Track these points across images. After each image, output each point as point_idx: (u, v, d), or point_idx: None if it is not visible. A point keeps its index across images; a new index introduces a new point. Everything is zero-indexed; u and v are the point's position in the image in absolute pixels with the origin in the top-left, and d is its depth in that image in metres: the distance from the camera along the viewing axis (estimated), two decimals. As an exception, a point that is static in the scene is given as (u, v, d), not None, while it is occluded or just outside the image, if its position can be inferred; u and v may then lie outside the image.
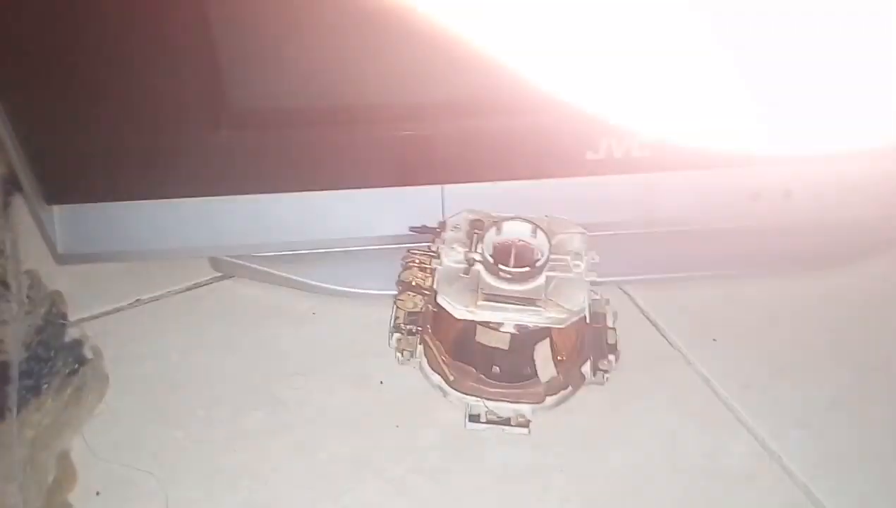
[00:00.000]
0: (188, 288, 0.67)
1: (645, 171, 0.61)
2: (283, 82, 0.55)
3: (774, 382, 0.60)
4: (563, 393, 0.58)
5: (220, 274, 0.68)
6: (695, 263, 0.67)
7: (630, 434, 0.57)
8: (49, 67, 0.52)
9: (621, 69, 0.56)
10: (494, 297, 0.53)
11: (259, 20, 0.52)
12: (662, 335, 0.64)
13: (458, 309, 0.53)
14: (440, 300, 0.54)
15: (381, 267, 0.64)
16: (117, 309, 0.66)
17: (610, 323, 0.61)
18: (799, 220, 0.66)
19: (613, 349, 0.59)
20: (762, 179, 0.63)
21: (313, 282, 0.65)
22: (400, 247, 0.62)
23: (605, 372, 0.58)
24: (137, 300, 0.66)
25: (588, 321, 0.59)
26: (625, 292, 0.67)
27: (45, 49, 0.51)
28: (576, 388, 0.58)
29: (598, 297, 0.61)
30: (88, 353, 0.61)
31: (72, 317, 0.64)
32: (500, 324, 0.55)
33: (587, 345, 0.59)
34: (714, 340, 0.63)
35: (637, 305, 0.66)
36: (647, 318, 0.65)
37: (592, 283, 0.57)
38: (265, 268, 0.66)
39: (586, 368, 0.59)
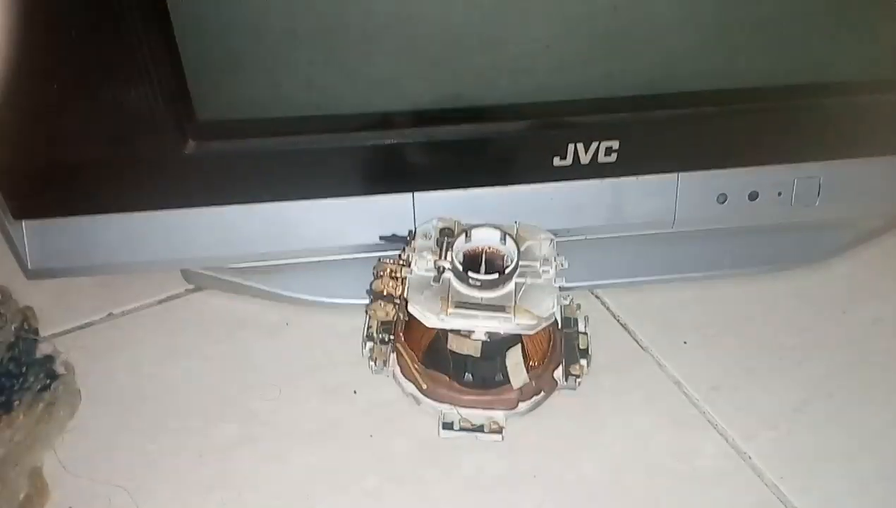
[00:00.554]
0: (160, 301, 0.67)
1: (612, 176, 0.62)
2: (250, 94, 0.55)
3: (744, 384, 0.61)
4: (535, 398, 0.58)
5: (192, 287, 0.68)
6: (664, 266, 0.68)
7: (602, 438, 0.58)
8: (11, 80, 0.51)
9: (586, 74, 0.57)
10: (465, 305, 0.54)
11: (225, 32, 0.52)
12: (634, 338, 0.65)
13: (429, 317, 0.53)
14: (411, 308, 0.54)
15: (352, 275, 0.64)
16: (89, 324, 0.65)
17: (581, 328, 0.61)
18: (765, 222, 0.67)
19: (585, 354, 0.60)
20: (728, 181, 0.64)
21: (285, 293, 0.65)
22: (371, 256, 0.62)
23: (577, 376, 0.58)
24: (109, 314, 0.66)
25: (559, 326, 0.60)
26: (596, 296, 0.68)
27: (7, 63, 0.51)
28: (548, 394, 0.59)
29: (568, 303, 0.61)
30: (60, 369, 0.61)
31: (43, 333, 0.64)
32: (472, 332, 0.55)
33: (559, 350, 0.59)
34: (685, 342, 0.64)
35: (608, 309, 0.67)
36: (619, 322, 0.66)
37: (563, 288, 0.58)
38: (237, 280, 0.66)
39: (558, 373, 0.59)
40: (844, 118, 0.61)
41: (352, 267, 0.64)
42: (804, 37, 0.57)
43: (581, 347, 0.60)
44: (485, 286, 0.54)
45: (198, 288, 0.68)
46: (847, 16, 0.56)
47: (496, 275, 0.54)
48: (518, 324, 0.53)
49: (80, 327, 0.65)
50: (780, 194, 0.65)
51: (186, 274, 0.67)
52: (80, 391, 0.60)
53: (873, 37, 0.57)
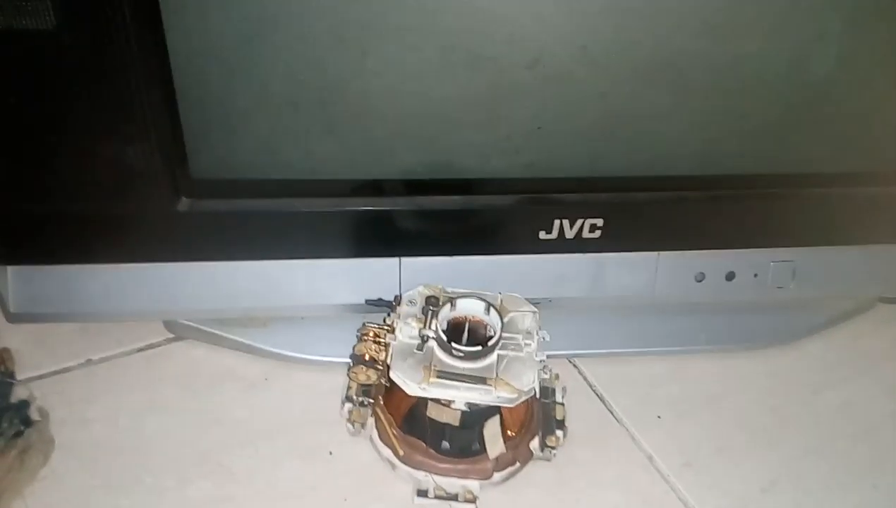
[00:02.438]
0: (140, 349, 0.67)
1: (595, 252, 0.63)
2: (246, 156, 0.56)
3: (715, 461, 0.62)
4: (510, 469, 0.59)
5: (172, 336, 0.68)
6: (642, 339, 0.70)
7: (575, 512, 0.58)
8: (5, 131, 0.52)
9: (574, 155, 0.59)
10: (447, 375, 0.54)
11: (223, 93, 0.53)
12: (609, 410, 0.66)
13: (411, 385, 0.54)
14: (393, 376, 0.55)
15: (335, 333, 0.65)
16: (67, 369, 0.65)
17: (559, 399, 0.62)
18: (741, 301, 0.69)
19: (561, 425, 0.60)
20: (707, 261, 0.66)
21: (266, 348, 0.66)
22: (355, 316, 0.63)
23: (553, 448, 0.59)
24: (88, 360, 0.66)
25: (537, 395, 0.61)
26: (574, 365, 0.69)
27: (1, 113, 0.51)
28: (523, 464, 0.59)
29: (547, 376, 0.62)
30: (35, 415, 0.60)
31: (20, 376, 0.64)
32: (452, 401, 0.56)
33: (536, 421, 0.60)
34: (658, 417, 0.65)
35: (586, 379, 0.68)
36: (595, 393, 0.67)
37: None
38: (219, 332, 0.66)
39: (534, 444, 0.60)
40: (819, 208, 0.63)
41: (334, 326, 0.65)
42: (782, 129, 0.59)
43: (558, 418, 0.61)
44: (468, 357, 0.55)
45: (178, 338, 0.68)
46: (823, 112, 0.58)
47: (479, 348, 0.55)
48: (499, 397, 0.54)
49: (58, 372, 0.65)
50: (756, 276, 0.67)
51: (168, 324, 0.67)
52: (53, 439, 0.59)
53: (848, 133, 0.60)
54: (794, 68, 0.55)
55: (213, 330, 0.66)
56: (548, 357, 0.63)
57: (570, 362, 0.69)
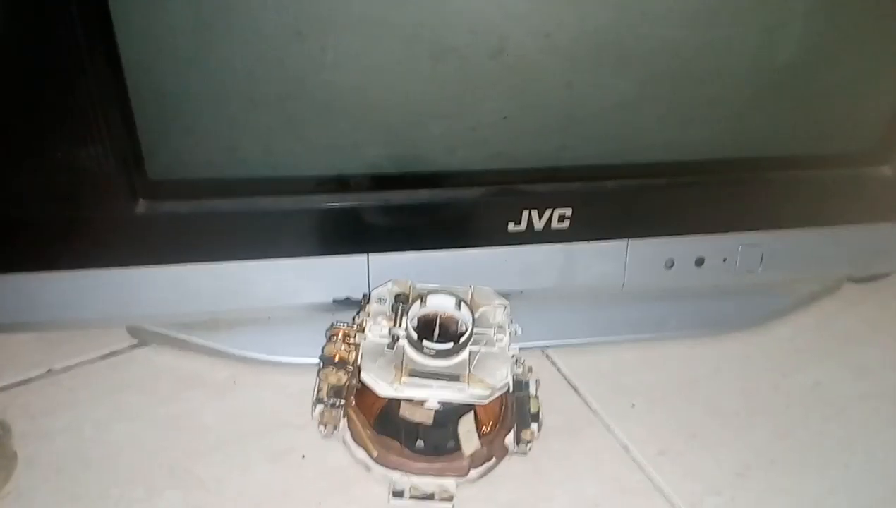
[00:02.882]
0: (103, 357, 0.65)
1: (564, 242, 0.63)
2: (204, 155, 0.54)
3: (689, 448, 0.62)
4: (486, 465, 0.58)
5: (136, 342, 0.66)
6: (614, 327, 0.69)
7: (551, 504, 0.58)
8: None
9: (541, 145, 0.58)
10: (418, 374, 0.53)
11: (178, 92, 0.51)
12: (584, 401, 0.65)
13: (383, 386, 0.53)
14: (364, 377, 0.54)
15: (304, 333, 0.63)
16: (27, 380, 0.63)
17: (533, 392, 0.62)
18: (711, 286, 0.69)
19: (536, 418, 0.60)
20: (676, 248, 0.66)
21: (233, 351, 0.64)
22: (325, 315, 0.62)
23: (528, 442, 0.59)
24: (49, 370, 0.64)
25: (511, 390, 0.60)
26: (547, 356, 0.68)
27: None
28: (499, 460, 0.59)
29: (520, 370, 0.62)
30: (-5, 429, 0.59)
31: (-22, 389, 0.62)
32: (425, 400, 0.55)
33: (510, 415, 0.60)
34: (633, 405, 0.65)
35: (559, 370, 0.68)
36: (569, 384, 0.67)
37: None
38: (183, 336, 0.64)
39: (510, 439, 0.59)
40: (785, 191, 0.63)
41: (302, 326, 0.64)
42: (748, 114, 0.59)
43: (532, 411, 0.60)
44: (439, 355, 0.54)
45: (142, 344, 0.66)
46: (788, 96, 0.58)
47: (451, 345, 0.54)
48: (472, 394, 0.53)
49: (19, 383, 0.63)
50: (725, 260, 0.67)
51: (131, 329, 0.66)
52: (16, 453, 0.57)
53: (813, 116, 0.60)
54: (758, 54, 0.55)
55: (177, 335, 0.64)
56: (521, 349, 0.63)
57: (543, 353, 0.69)
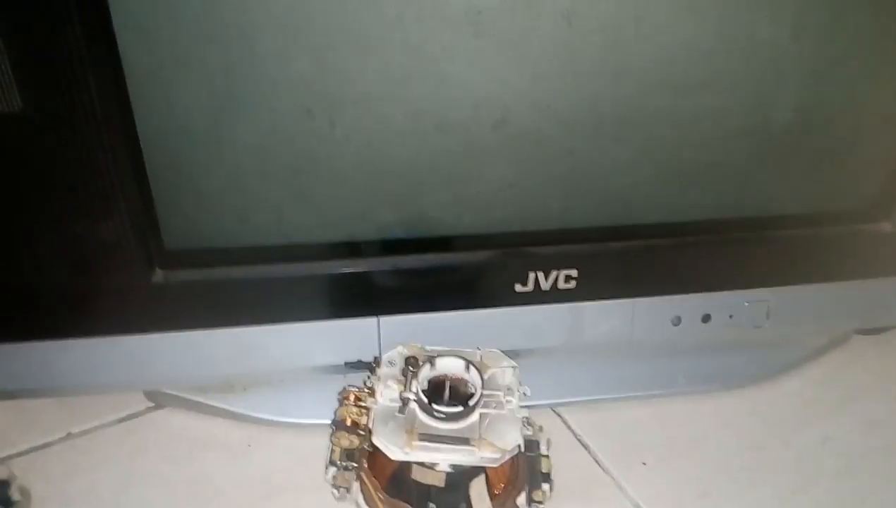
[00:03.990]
0: (121, 420, 0.67)
1: (571, 301, 0.64)
2: (218, 225, 0.56)
3: (701, 505, 0.62)
4: (498, 526, 0.59)
5: (153, 405, 0.67)
6: (623, 385, 0.70)
7: (564, 565, 0.58)
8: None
9: (546, 208, 0.59)
10: (429, 437, 0.54)
11: (192, 166, 0.53)
12: (595, 459, 0.66)
13: (394, 450, 0.54)
14: (376, 440, 0.54)
15: (316, 395, 0.65)
16: (46, 444, 0.64)
17: (544, 451, 0.62)
18: (718, 341, 0.70)
19: (547, 478, 0.60)
20: (682, 305, 0.67)
21: (248, 413, 0.65)
22: (337, 376, 0.63)
23: (540, 503, 0.59)
24: (68, 434, 0.65)
25: (522, 449, 0.61)
26: (558, 415, 0.69)
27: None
28: (511, 520, 0.59)
29: (530, 431, 0.62)
30: (16, 494, 0.59)
31: (-1, 455, 0.63)
32: (436, 463, 0.56)
33: (522, 476, 0.60)
34: (644, 463, 0.65)
35: (570, 428, 0.68)
36: (580, 442, 0.67)
37: (525, 408, 0.59)
38: (199, 399, 0.66)
39: (521, 500, 0.59)
40: (787, 249, 0.64)
41: (315, 388, 0.65)
42: (746, 176, 0.60)
43: (543, 471, 0.61)
44: (449, 418, 0.55)
45: (159, 406, 0.67)
46: (784, 158, 0.60)
47: (460, 408, 0.55)
48: (482, 458, 0.54)
49: (38, 448, 0.64)
50: (731, 317, 0.68)
51: (148, 393, 0.67)
52: (35, 518, 0.59)
53: (811, 176, 0.61)
54: (754, 119, 0.57)
55: (193, 398, 0.66)
56: (531, 407, 0.63)
57: (553, 411, 0.69)
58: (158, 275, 0.56)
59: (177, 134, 0.52)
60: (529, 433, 0.62)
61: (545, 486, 0.60)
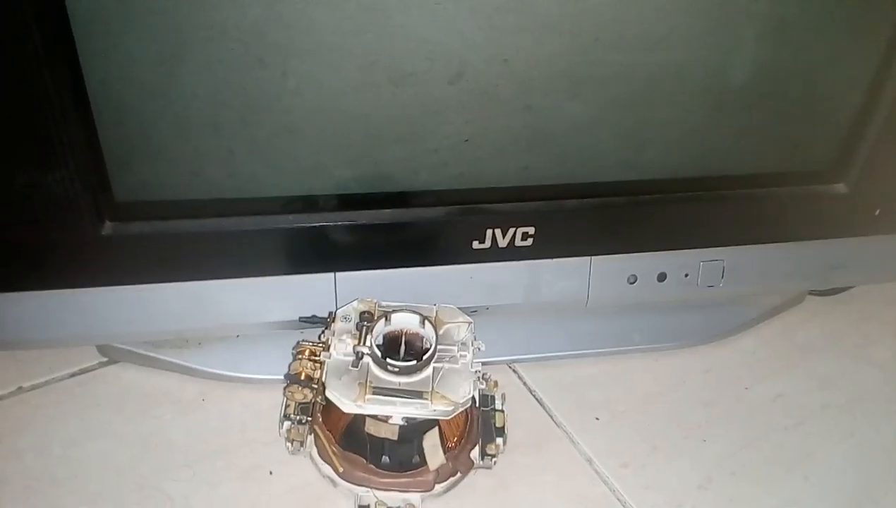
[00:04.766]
0: (73, 374, 0.66)
1: (528, 259, 0.64)
2: (169, 177, 0.55)
3: (652, 460, 0.63)
4: (451, 479, 0.59)
5: (106, 360, 0.67)
6: (579, 342, 0.71)
7: (515, 518, 0.59)
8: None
9: (503, 165, 0.59)
10: (382, 391, 0.54)
11: (142, 116, 0.52)
12: (549, 414, 0.66)
13: (347, 403, 0.54)
14: (329, 394, 0.54)
15: (272, 351, 0.64)
16: (-3, 399, 0.64)
17: (498, 406, 0.63)
18: (673, 301, 0.70)
19: (501, 432, 0.61)
20: (638, 264, 0.67)
21: (202, 368, 0.65)
22: (293, 332, 0.63)
23: (493, 456, 0.60)
24: (19, 388, 0.64)
25: (477, 404, 0.62)
26: (514, 371, 0.70)
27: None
28: (464, 474, 0.60)
29: (484, 385, 0.63)
30: (-36, 447, 0.59)
31: (-53, 409, 0.62)
32: (389, 416, 0.56)
33: (476, 430, 0.61)
34: (597, 419, 0.66)
35: (525, 384, 0.69)
36: (535, 397, 0.68)
37: (482, 364, 0.59)
38: (153, 354, 0.65)
39: (475, 453, 0.60)
40: (744, 208, 0.65)
41: (271, 343, 0.65)
42: (704, 135, 0.60)
43: (497, 425, 0.61)
44: (403, 372, 0.55)
45: (112, 361, 0.67)
46: (743, 117, 0.60)
47: (414, 362, 0.55)
48: (435, 410, 0.54)
49: (-12, 402, 0.63)
50: (686, 275, 0.68)
51: (101, 347, 0.66)
52: (-15, 472, 0.58)
53: (769, 136, 0.61)
54: (712, 77, 0.56)
55: (146, 352, 0.65)
56: (487, 363, 0.64)
57: (509, 367, 0.70)
58: (108, 228, 0.55)
59: (125, 83, 0.50)
60: (484, 387, 0.63)
61: (499, 440, 0.60)
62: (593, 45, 0.53)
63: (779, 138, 0.62)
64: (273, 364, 0.64)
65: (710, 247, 0.67)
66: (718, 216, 0.65)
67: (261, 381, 0.65)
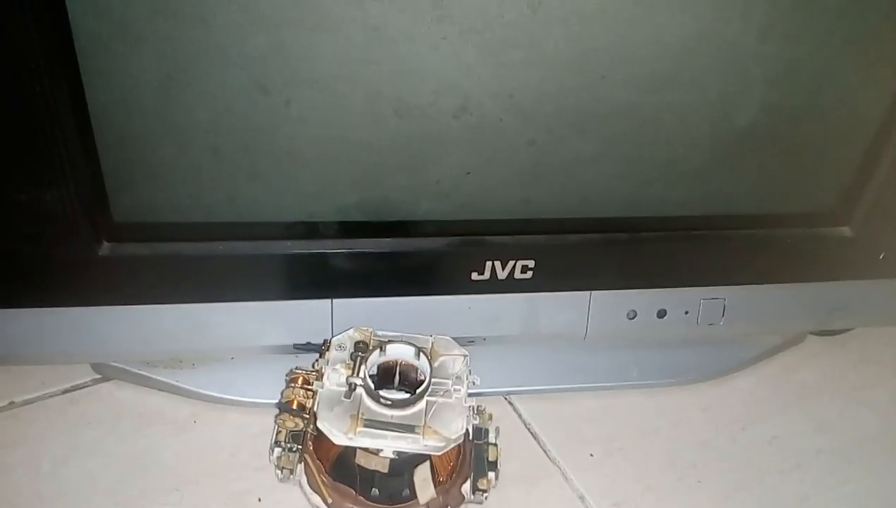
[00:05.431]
0: (66, 391, 0.66)
1: (527, 292, 0.63)
2: (166, 199, 0.55)
3: (644, 500, 0.62)
4: (441, 513, 0.58)
5: (99, 377, 0.66)
6: (576, 375, 0.70)
7: (505, 554, 0.58)
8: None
9: (505, 198, 0.59)
10: (374, 424, 0.54)
11: (143, 139, 0.52)
12: (543, 448, 0.66)
13: (338, 435, 0.53)
14: (320, 425, 0.54)
15: (266, 375, 0.64)
16: (-12, 413, 0.63)
17: (492, 439, 0.62)
18: (673, 338, 0.70)
19: (494, 466, 0.60)
20: (638, 300, 0.66)
21: (195, 389, 0.65)
22: (288, 357, 0.62)
23: (485, 491, 0.59)
24: (11, 402, 0.64)
25: (470, 436, 0.61)
26: (510, 403, 0.69)
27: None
28: (455, 508, 0.59)
29: (477, 420, 0.62)
30: (-46, 462, 0.59)
31: (-62, 421, 0.62)
32: (380, 449, 0.55)
33: (468, 463, 0.60)
34: (591, 455, 0.65)
35: (521, 417, 0.68)
36: (530, 431, 0.67)
37: (477, 395, 0.59)
38: (146, 373, 0.65)
39: (466, 487, 0.59)
40: (746, 248, 0.64)
41: (265, 367, 0.64)
42: (707, 175, 0.60)
43: (490, 459, 0.60)
44: (396, 405, 0.55)
45: (105, 379, 0.67)
46: (746, 159, 0.59)
47: (407, 396, 0.55)
48: (426, 446, 0.54)
49: (-21, 416, 0.63)
50: (686, 313, 0.68)
51: (94, 365, 0.66)
52: (-28, 488, 0.58)
53: (772, 177, 0.61)
54: (717, 118, 0.56)
55: (140, 371, 0.65)
56: (483, 394, 0.63)
57: (505, 399, 0.69)
58: (105, 248, 0.55)
59: (127, 106, 0.50)
60: (478, 421, 0.62)
61: (491, 474, 0.60)
62: (600, 83, 0.52)
63: (784, 180, 0.61)
64: (266, 388, 0.63)
65: (711, 285, 0.66)
66: (721, 255, 0.64)
67: (253, 405, 0.64)
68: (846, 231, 0.64)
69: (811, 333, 0.78)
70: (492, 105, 0.52)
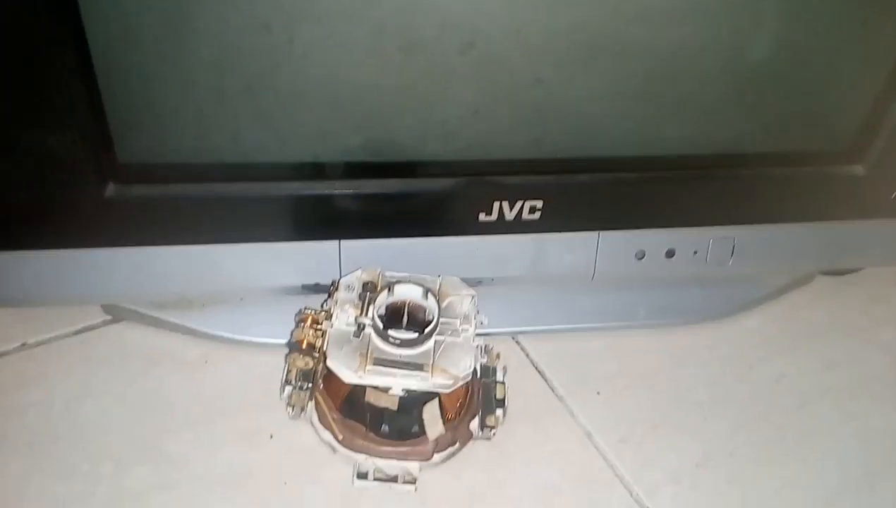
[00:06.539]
0: (77, 332, 0.66)
1: (535, 232, 0.63)
2: (173, 140, 0.54)
3: (651, 437, 0.63)
4: (450, 449, 0.59)
5: (110, 318, 0.67)
6: (583, 315, 0.70)
7: (512, 491, 0.59)
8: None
9: (512, 138, 0.58)
10: (383, 362, 0.54)
11: (146, 80, 0.51)
12: (550, 387, 0.66)
13: (347, 373, 0.54)
14: (330, 363, 0.54)
15: (276, 315, 0.64)
16: (2, 354, 0.64)
17: (500, 377, 0.63)
18: (681, 277, 0.70)
19: (501, 404, 0.61)
20: (647, 240, 0.66)
21: (205, 330, 0.65)
22: (297, 297, 0.62)
23: (492, 428, 0.60)
24: (23, 344, 0.65)
25: (478, 375, 0.61)
26: (518, 343, 0.69)
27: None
28: (463, 444, 0.60)
29: (485, 359, 0.62)
30: (-32, 402, 0.60)
31: (-49, 362, 0.62)
32: (389, 387, 0.56)
33: (476, 401, 0.61)
34: (598, 393, 0.66)
35: (528, 356, 0.68)
36: (537, 370, 0.67)
37: (485, 334, 0.59)
38: (157, 314, 0.65)
39: (474, 424, 0.60)
40: (756, 187, 0.63)
41: (274, 307, 0.64)
42: (720, 112, 0.59)
43: (498, 397, 0.61)
44: (404, 344, 0.55)
45: (116, 320, 0.67)
46: (760, 95, 0.58)
47: (415, 335, 0.55)
48: (435, 384, 0.54)
49: (-8, 357, 0.64)
50: (695, 253, 0.67)
51: (105, 306, 0.66)
52: (-12, 427, 0.59)
53: (786, 115, 0.60)
54: (730, 52, 0.55)
55: (150, 312, 0.65)
56: (491, 334, 0.64)
57: (513, 339, 0.69)
58: (111, 189, 0.55)
59: (129, 44, 0.49)
60: (485, 360, 0.62)
61: (499, 412, 0.60)
62: (609, 17, 0.51)
63: (796, 118, 0.60)
64: (277, 328, 0.64)
65: (720, 224, 0.66)
66: (731, 194, 0.64)
67: (264, 345, 0.65)
68: (858, 169, 0.63)
69: (820, 273, 0.77)
70: (499, 41, 0.51)
